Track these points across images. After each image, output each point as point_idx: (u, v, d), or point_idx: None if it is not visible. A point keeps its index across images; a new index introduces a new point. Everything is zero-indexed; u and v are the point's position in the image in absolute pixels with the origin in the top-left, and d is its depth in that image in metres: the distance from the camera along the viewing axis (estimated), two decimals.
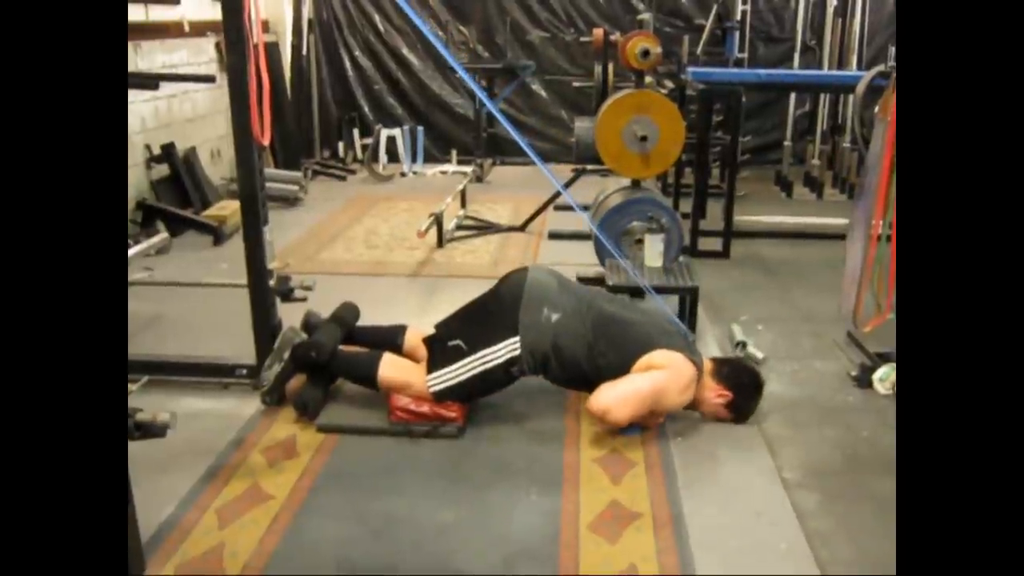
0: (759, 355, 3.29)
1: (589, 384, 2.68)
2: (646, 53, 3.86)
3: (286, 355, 2.79)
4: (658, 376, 2.62)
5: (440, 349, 2.72)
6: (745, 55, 6.76)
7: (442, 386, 2.65)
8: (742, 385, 2.79)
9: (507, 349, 2.64)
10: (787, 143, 6.74)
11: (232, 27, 2.56)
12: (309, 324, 2.98)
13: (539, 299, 2.71)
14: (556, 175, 5.21)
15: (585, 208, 4.46)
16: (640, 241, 3.69)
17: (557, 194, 5.24)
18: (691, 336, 2.92)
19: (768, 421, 2.82)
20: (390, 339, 2.94)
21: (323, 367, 2.78)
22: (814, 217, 5.36)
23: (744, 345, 3.34)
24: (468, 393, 2.69)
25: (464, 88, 7.48)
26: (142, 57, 5.16)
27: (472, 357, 2.65)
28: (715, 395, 2.75)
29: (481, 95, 2.95)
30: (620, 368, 2.65)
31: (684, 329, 2.95)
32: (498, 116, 2.91)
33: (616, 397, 2.59)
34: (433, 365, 2.69)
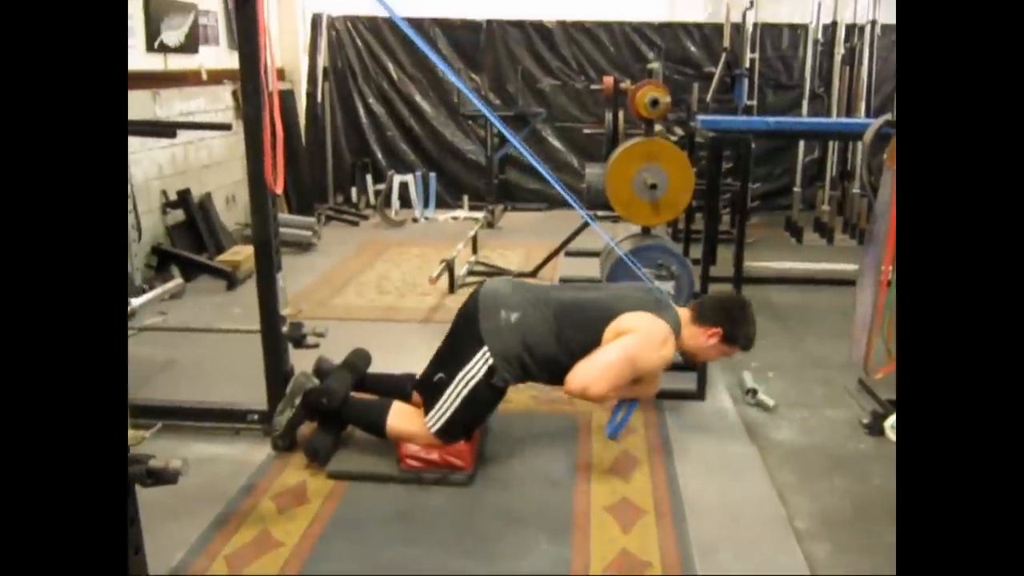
0: (770, 402, 3.29)
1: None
2: (655, 102, 3.90)
3: (298, 401, 2.81)
4: (628, 340, 2.60)
5: (428, 388, 2.73)
6: (754, 102, 6.83)
7: (440, 422, 2.65)
8: (727, 314, 2.78)
9: (481, 361, 2.64)
10: (797, 189, 6.77)
11: (249, 79, 2.62)
12: (321, 370, 3.00)
13: (494, 305, 2.71)
14: (566, 221, 5.26)
15: (596, 255, 4.49)
16: None
17: (568, 240, 5.28)
18: (664, 294, 2.88)
19: (779, 469, 2.81)
20: (399, 387, 2.95)
21: (334, 414, 2.79)
22: (824, 263, 5.38)
23: (755, 392, 3.33)
24: (465, 419, 2.68)
25: (476, 135, 7.58)
26: (160, 105, 5.25)
27: (454, 383, 2.65)
28: (706, 337, 2.75)
29: (506, 132, 2.98)
30: (591, 346, 2.63)
31: (661, 291, 2.91)
32: (522, 150, 2.96)
33: (590, 372, 2.57)
34: (427, 406, 2.70)
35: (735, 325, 2.77)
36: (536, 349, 2.66)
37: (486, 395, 2.67)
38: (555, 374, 2.70)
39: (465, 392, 2.64)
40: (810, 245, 6.40)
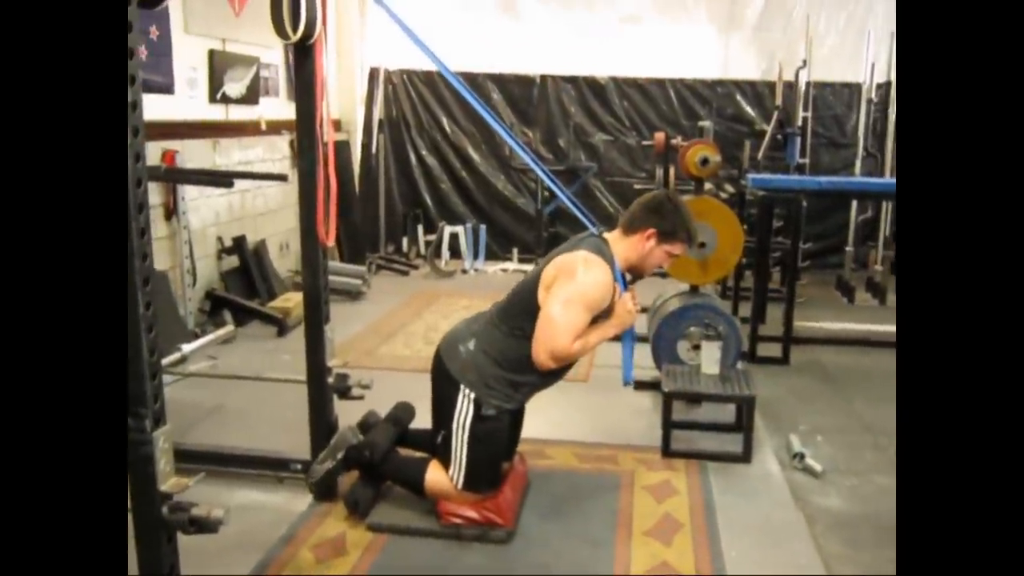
0: (818, 468, 3.22)
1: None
2: (706, 161, 3.91)
3: (340, 455, 2.82)
4: (556, 288, 2.57)
5: (440, 452, 2.73)
6: (807, 160, 6.80)
7: (461, 476, 2.65)
8: (654, 212, 2.72)
9: (465, 400, 2.64)
10: (849, 248, 6.69)
11: (305, 134, 2.69)
12: (367, 425, 3.02)
13: (452, 345, 2.73)
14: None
15: (643, 311, 4.47)
16: (697, 347, 3.68)
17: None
18: (596, 229, 2.81)
19: (825, 538, 2.74)
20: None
21: (376, 466, 2.80)
22: (876, 324, 5.28)
23: (802, 457, 3.27)
24: (481, 460, 2.66)
25: (526, 187, 7.64)
26: (220, 154, 5.40)
27: (453, 433, 2.65)
28: (643, 243, 2.70)
29: (551, 182, 3.01)
30: (536, 318, 2.60)
31: (592, 225, 2.85)
32: (568, 202, 2.96)
33: (545, 335, 2.54)
34: (445, 465, 2.70)
35: (666, 218, 2.72)
36: (503, 359, 2.65)
37: (484, 429, 2.65)
38: (540, 375, 2.67)
39: (465, 436, 2.65)
40: (862, 305, 6.30)
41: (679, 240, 2.76)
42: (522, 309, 2.66)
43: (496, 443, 2.72)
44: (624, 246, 2.74)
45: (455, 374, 2.67)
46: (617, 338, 2.82)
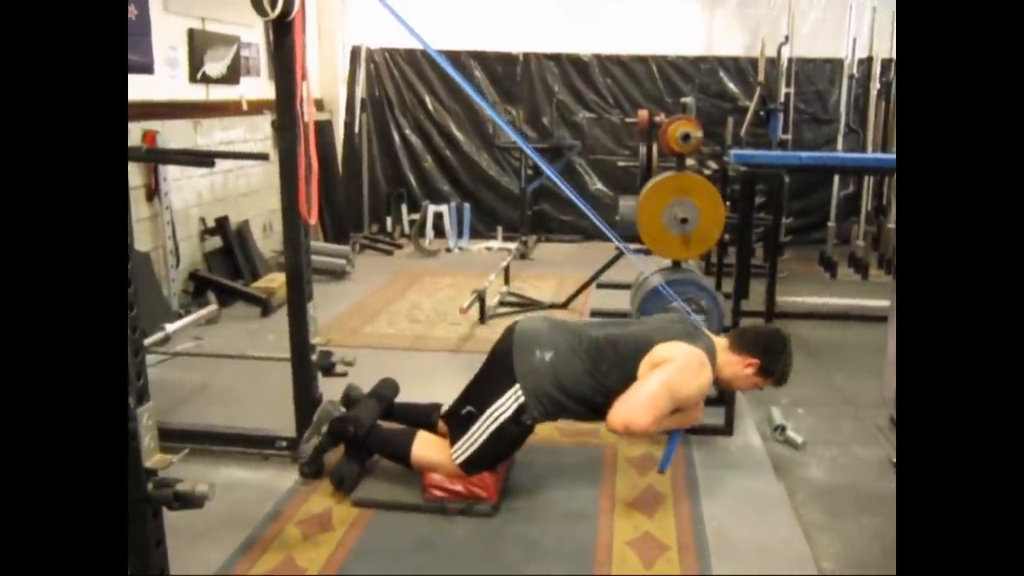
0: (798, 439, 3.26)
1: (607, 411, 2.65)
2: (687, 137, 3.91)
3: (324, 429, 2.84)
4: (665, 371, 2.60)
5: (456, 420, 2.74)
6: (789, 137, 6.82)
7: (465, 455, 2.67)
8: (766, 347, 2.76)
9: (512, 399, 2.65)
10: (831, 224, 6.72)
11: (284, 112, 2.69)
12: (349, 398, 3.03)
13: (529, 344, 2.72)
14: (599, 252, 5.28)
15: (627, 287, 4.50)
16: None
17: (600, 272, 5.29)
18: (700, 325, 2.86)
19: (806, 508, 2.78)
20: (425, 417, 2.98)
21: (360, 442, 2.82)
22: (858, 299, 5.33)
23: (783, 429, 3.31)
24: (491, 454, 2.69)
25: (510, 166, 7.64)
26: (201, 134, 5.37)
27: (483, 417, 2.66)
28: (742, 367, 2.74)
29: (550, 172, 3.02)
30: (627, 381, 2.63)
31: (695, 320, 2.90)
32: (556, 179, 2.97)
33: (630, 407, 2.57)
34: (454, 437, 2.71)
35: (773, 358, 2.76)
36: (571, 388, 2.68)
37: (513, 432, 2.68)
38: (591, 411, 2.72)
39: (493, 427, 2.66)
40: (844, 280, 6.35)
41: (773, 379, 2.79)
42: (616, 363, 2.67)
43: (513, 447, 2.76)
44: (725, 359, 2.76)
45: (518, 371, 2.67)
46: None
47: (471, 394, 2.79)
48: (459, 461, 2.67)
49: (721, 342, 2.79)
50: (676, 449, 2.80)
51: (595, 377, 2.67)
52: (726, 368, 2.75)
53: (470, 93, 2.86)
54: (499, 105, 7.61)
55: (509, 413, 2.65)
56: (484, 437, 2.66)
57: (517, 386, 2.66)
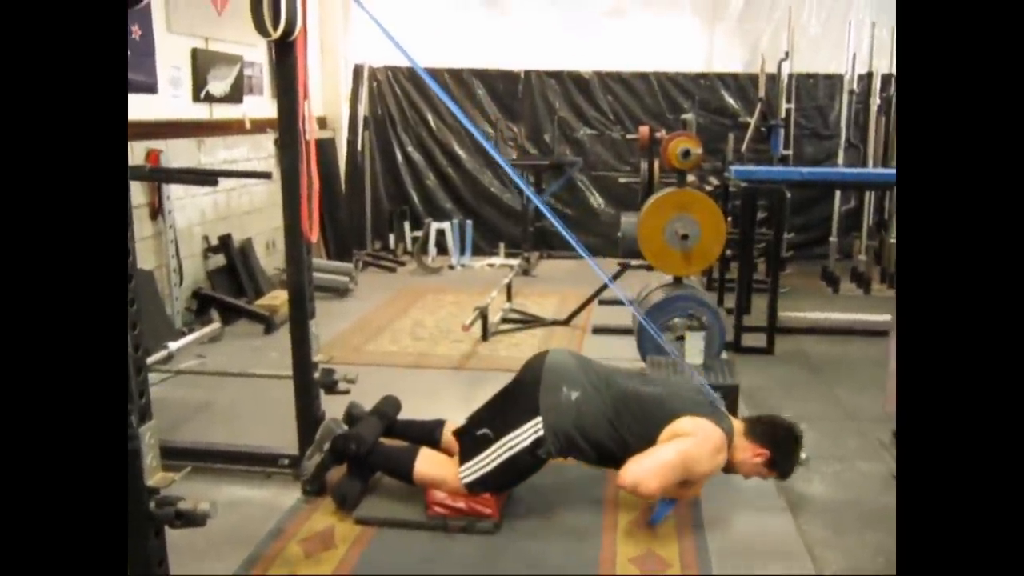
0: (802, 455, 3.25)
1: (617, 461, 2.66)
2: (687, 153, 3.94)
3: (327, 446, 2.84)
4: (685, 444, 2.61)
5: (470, 440, 2.74)
6: (790, 152, 6.84)
7: (473, 477, 2.67)
8: (778, 441, 2.76)
9: (531, 431, 2.65)
10: (833, 239, 6.74)
11: (287, 131, 2.71)
12: (351, 416, 3.04)
13: (558, 379, 2.73)
14: (602, 269, 5.29)
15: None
16: (681, 338, 3.71)
17: (602, 288, 5.30)
18: (720, 402, 2.89)
19: (809, 523, 2.78)
20: (428, 434, 2.98)
21: (363, 459, 2.82)
22: (860, 313, 5.33)
23: None
24: (500, 481, 2.70)
25: (512, 183, 7.67)
26: (205, 153, 5.40)
27: (499, 443, 2.66)
28: (752, 455, 2.73)
29: (528, 191, 3.02)
30: (646, 441, 2.64)
31: (713, 396, 2.91)
32: (544, 211, 2.96)
33: (645, 469, 2.57)
34: (464, 457, 2.71)
35: (783, 455, 2.76)
36: (589, 431, 2.68)
37: (527, 463, 2.69)
38: (602, 457, 2.73)
39: (507, 455, 2.66)
40: (846, 295, 6.35)
41: (778, 473, 2.79)
42: (639, 419, 2.69)
43: (522, 477, 2.75)
44: (738, 444, 2.75)
45: (542, 404, 2.68)
46: None
47: (489, 416, 2.79)
48: (466, 481, 2.67)
49: (738, 426, 2.80)
50: (667, 513, 2.77)
51: (615, 427, 2.68)
52: (737, 452, 2.75)
53: (453, 109, 2.85)
54: (501, 122, 7.65)
55: (526, 444, 2.65)
56: (496, 463, 2.66)
57: (539, 419, 2.66)
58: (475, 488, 2.67)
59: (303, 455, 2.89)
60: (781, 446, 2.75)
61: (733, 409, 3.34)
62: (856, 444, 3.43)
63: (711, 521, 2.76)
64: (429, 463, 2.76)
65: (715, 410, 2.78)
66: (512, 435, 2.66)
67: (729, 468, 2.75)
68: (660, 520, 2.74)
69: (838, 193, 6.88)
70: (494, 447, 2.67)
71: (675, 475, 2.60)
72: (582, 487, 2.98)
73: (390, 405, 3.08)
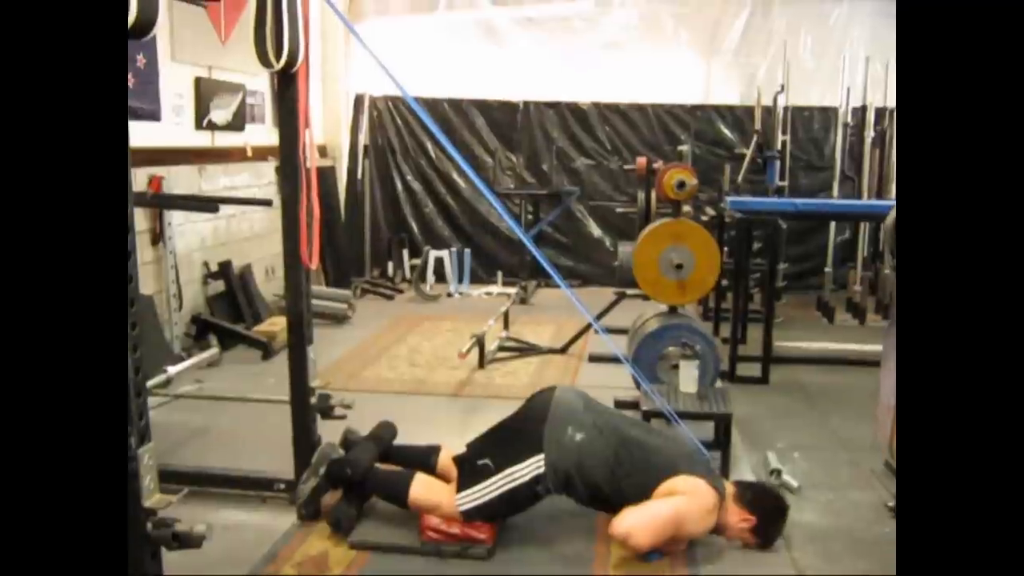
0: (794, 483, 3.28)
1: (609, 506, 2.70)
2: (682, 184, 4.00)
3: (322, 471, 2.86)
4: (680, 502, 2.64)
5: (469, 468, 2.77)
6: (786, 183, 6.89)
7: (470, 505, 2.69)
8: (766, 510, 2.79)
9: (532, 467, 2.68)
10: (828, 269, 6.79)
11: (287, 161, 2.76)
12: (347, 441, 3.06)
13: (564, 418, 2.76)
14: (598, 297, 5.32)
15: (624, 332, 4.54)
16: (676, 366, 3.74)
17: (597, 318, 5.33)
18: (713, 463, 2.92)
19: (801, 552, 2.79)
20: (423, 459, 3.00)
21: (358, 484, 2.84)
22: (855, 343, 5.37)
23: (779, 473, 3.33)
24: (496, 512, 2.72)
25: (510, 212, 7.72)
26: (206, 179, 5.45)
27: (499, 475, 2.69)
28: (739, 519, 2.75)
29: (512, 223, 3.08)
30: (642, 492, 2.67)
31: (707, 455, 2.97)
32: (528, 244, 3.03)
33: (638, 521, 2.60)
34: (462, 484, 2.73)
35: (769, 524, 2.79)
36: (588, 473, 2.71)
37: (525, 496, 2.71)
38: (595, 500, 2.76)
39: (506, 488, 2.68)
40: (842, 325, 6.38)
41: (759, 540, 2.80)
42: (639, 469, 2.71)
43: (519, 510, 2.78)
44: (727, 507, 2.78)
45: (546, 442, 2.71)
46: None
47: (491, 447, 2.82)
48: (463, 508, 2.69)
49: (729, 489, 2.83)
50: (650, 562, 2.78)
51: (614, 473, 2.71)
52: (725, 515, 2.77)
53: (440, 139, 2.91)
54: (500, 152, 7.72)
55: (526, 479, 2.68)
56: (495, 494, 2.69)
57: (541, 456, 2.69)
58: (471, 516, 2.70)
59: (299, 480, 2.91)
60: (768, 515, 2.79)
61: (726, 438, 3.37)
62: (849, 473, 3.45)
63: (703, 551, 2.77)
64: (424, 488, 2.78)
65: (711, 470, 2.83)
66: (513, 469, 2.69)
67: (714, 529, 2.77)
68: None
69: (833, 224, 6.94)
70: (494, 478, 2.69)
71: (666, 532, 2.63)
72: (576, 516, 2.99)
73: (386, 430, 3.11)
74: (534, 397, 2.91)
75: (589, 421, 2.79)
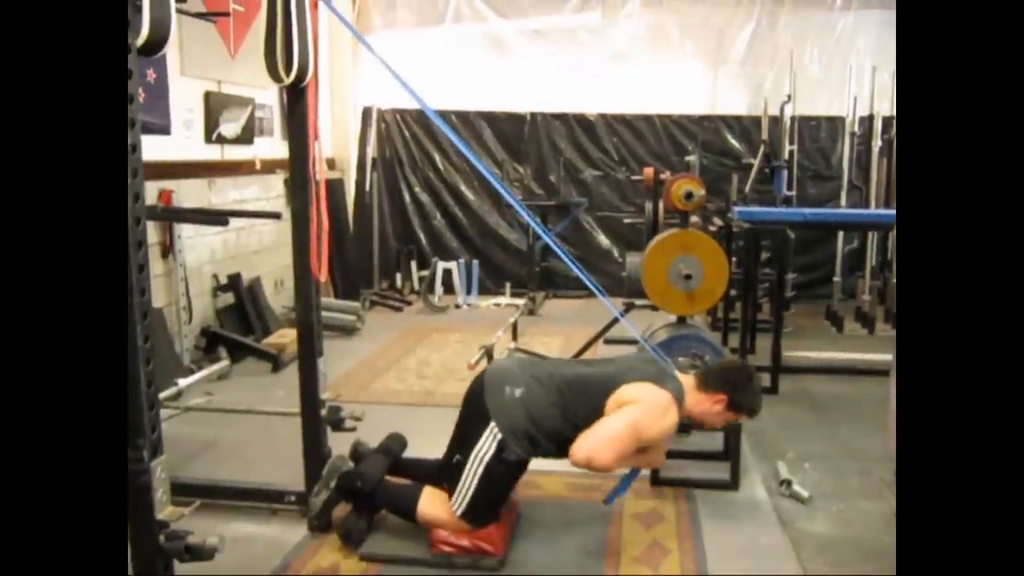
0: (805, 494, 3.27)
1: None
2: (690, 195, 4.00)
3: (333, 483, 2.87)
4: (630, 411, 2.64)
5: (449, 472, 2.78)
6: (793, 193, 6.89)
7: (463, 504, 2.70)
8: (731, 382, 2.80)
9: (490, 437, 2.68)
10: (837, 278, 6.78)
11: (297, 174, 2.77)
12: (357, 453, 3.07)
13: (499, 381, 2.78)
14: (606, 308, 5.33)
15: (634, 343, 4.54)
16: None
17: (607, 327, 5.34)
18: (670, 366, 2.91)
19: (811, 562, 2.79)
20: (432, 472, 3.00)
21: (368, 496, 2.85)
22: (864, 353, 5.35)
23: (789, 483, 3.32)
24: (487, 498, 2.72)
25: (519, 223, 7.75)
26: (215, 193, 5.49)
27: (469, 463, 2.70)
28: (711, 403, 2.78)
29: (539, 229, 3.08)
30: (595, 418, 2.67)
31: (663, 359, 2.94)
32: (555, 247, 3.03)
33: (594, 442, 2.60)
34: (450, 490, 2.74)
35: (741, 394, 2.81)
36: (542, 422, 2.71)
37: (501, 471, 2.71)
38: (562, 447, 2.74)
39: (481, 470, 2.69)
40: (851, 335, 6.36)
41: (741, 413, 2.85)
42: (584, 401, 2.72)
43: (505, 486, 2.78)
44: (694, 399, 2.81)
45: (490, 409, 2.72)
46: None
47: (455, 444, 2.84)
48: (459, 512, 2.70)
49: (689, 382, 2.84)
50: (629, 486, 2.85)
51: (565, 413, 2.71)
52: (696, 407, 2.80)
53: (463, 150, 2.93)
54: (507, 163, 7.73)
55: (492, 452, 2.69)
56: (475, 482, 2.69)
57: (492, 424, 2.70)
58: (469, 516, 2.70)
59: (310, 492, 2.92)
60: (734, 385, 2.80)
61: (736, 449, 3.36)
62: (859, 483, 3.44)
63: (714, 562, 2.77)
64: (432, 502, 2.78)
65: (661, 375, 2.80)
66: (476, 448, 2.70)
67: (696, 425, 2.80)
68: (615, 497, 2.83)
69: (841, 233, 6.93)
70: (467, 468, 2.70)
71: (626, 444, 2.62)
72: (586, 525, 3.00)
73: (396, 442, 3.11)
74: (472, 382, 2.91)
75: (525, 376, 2.80)
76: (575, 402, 2.72)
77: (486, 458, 2.68)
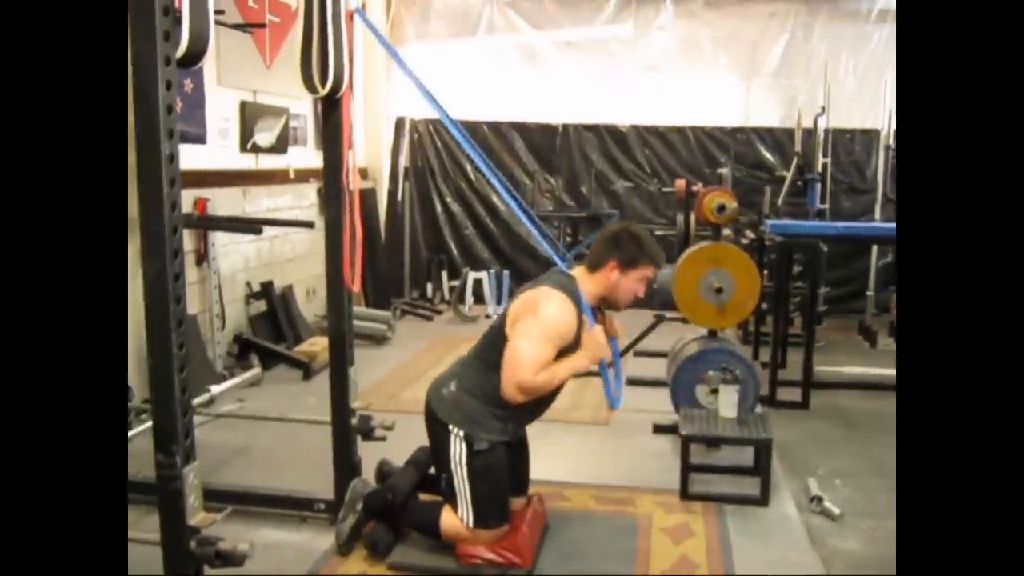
0: (835, 511, 3.23)
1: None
2: (722, 208, 3.99)
3: (359, 506, 2.87)
4: (520, 326, 2.66)
5: (444, 493, 2.81)
6: (827, 206, 6.84)
7: (470, 515, 2.71)
8: (613, 244, 2.79)
9: (456, 440, 2.72)
10: (870, 293, 6.71)
11: (331, 184, 2.80)
12: (382, 473, 3.09)
13: (436, 389, 2.83)
14: (636, 319, 5.31)
15: (664, 355, 4.53)
16: (715, 391, 3.72)
17: (638, 340, 5.32)
18: (563, 265, 2.88)
19: None
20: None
21: (398, 509, 2.85)
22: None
23: (820, 500, 3.29)
24: (488, 497, 2.72)
25: (544, 232, 7.72)
26: (249, 201, 5.55)
27: (453, 474, 2.73)
28: (608, 274, 2.76)
29: (536, 230, 3.08)
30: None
31: (563, 264, 2.91)
32: (559, 263, 3.00)
33: (509, 370, 2.64)
34: (455, 507, 2.76)
35: (624, 249, 2.78)
36: (482, 392, 2.74)
37: (481, 463, 2.72)
38: (518, 411, 2.76)
39: (465, 474, 2.71)
40: (884, 350, 6.28)
41: (642, 265, 2.80)
42: (492, 343, 2.76)
43: (496, 475, 2.77)
44: (592, 283, 2.80)
45: (442, 416, 2.76)
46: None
47: (437, 466, 2.88)
48: (472, 524, 2.71)
49: (580, 271, 2.84)
50: (610, 378, 2.89)
51: (490, 369, 2.73)
52: (599, 287, 2.79)
53: (476, 161, 2.94)
54: (538, 174, 7.74)
55: (464, 451, 2.71)
56: (467, 487, 2.72)
57: (450, 427, 2.73)
58: (481, 523, 2.71)
59: (340, 500, 2.93)
60: (617, 243, 2.79)
61: (766, 464, 3.34)
62: (889, 501, 3.39)
63: (741, 568, 2.75)
64: (453, 518, 2.77)
65: (539, 280, 2.83)
66: (451, 459, 2.73)
67: (612, 305, 2.81)
68: (616, 400, 2.93)
69: (875, 247, 6.86)
70: (455, 480, 2.73)
71: (539, 353, 2.62)
72: (613, 538, 2.99)
73: (424, 455, 3.11)
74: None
75: (452, 370, 2.87)
76: (490, 353, 2.75)
77: (463, 460, 2.71)
